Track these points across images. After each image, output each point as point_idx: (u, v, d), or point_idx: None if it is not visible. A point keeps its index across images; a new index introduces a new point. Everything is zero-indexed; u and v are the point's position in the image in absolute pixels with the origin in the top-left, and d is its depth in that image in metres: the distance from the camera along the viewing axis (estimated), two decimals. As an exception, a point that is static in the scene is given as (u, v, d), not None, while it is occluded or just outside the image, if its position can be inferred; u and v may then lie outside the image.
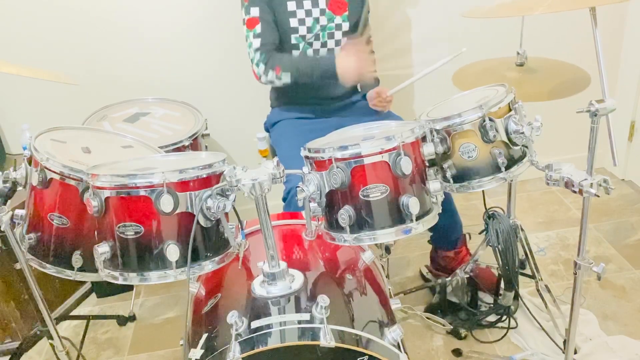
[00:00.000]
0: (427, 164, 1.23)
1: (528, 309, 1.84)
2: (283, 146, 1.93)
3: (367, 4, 1.95)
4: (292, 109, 2.01)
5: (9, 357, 1.78)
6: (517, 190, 1.77)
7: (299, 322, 1.11)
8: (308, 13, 1.85)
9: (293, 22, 1.86)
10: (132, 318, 2.12)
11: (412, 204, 1.14)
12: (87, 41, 2.20)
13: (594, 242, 2.24)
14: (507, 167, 1.25)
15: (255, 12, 1.81)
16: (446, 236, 1.99)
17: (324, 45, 1.91)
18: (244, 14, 1.83)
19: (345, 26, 1.90)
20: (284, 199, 1.71)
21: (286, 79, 1.79)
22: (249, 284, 1.24)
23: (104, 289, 2.25)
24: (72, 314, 2.17)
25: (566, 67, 1.67)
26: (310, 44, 1.90)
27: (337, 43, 1.92)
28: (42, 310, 1.50)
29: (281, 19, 1.84)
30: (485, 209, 1.71)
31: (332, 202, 1.18)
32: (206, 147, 1.97)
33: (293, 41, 1.88)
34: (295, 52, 1.89)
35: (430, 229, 1.23)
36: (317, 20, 1.87)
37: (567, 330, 1.41)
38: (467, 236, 2.03)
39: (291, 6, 1.84)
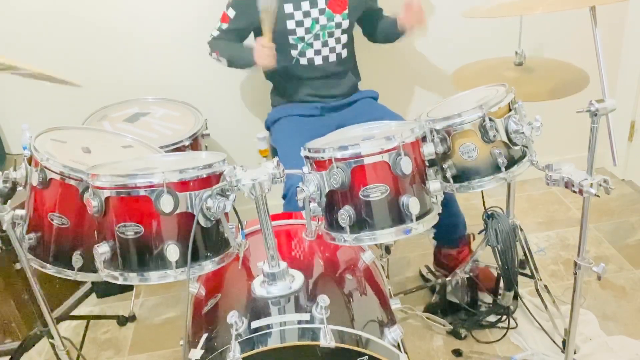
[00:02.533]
0: (427, 164, 1.23)
1: (528, 309, 1.84)
2: (284, 143, 1.92)
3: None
4: (293, 107, 2.01)
5: (9, 357, 1.78)
6: (517, 190, 1.77)
7: (299, 322, 1.11)
8: (306, 14, 1.85)
9: (290, 24, 1.86)
10: (132, 318, 2.12)
11: (412, 204, 1.14)
12: (87, 41, 2.19)
13: (594, 242, 2.24)
14: (507, 167, 1.25)
15: (231, 13, 1.91)
16: (449, 235, 1.99)
17: (324, 44, 1.91)
18: (225, 7, 1.92)
19: (345, 24, 1.90)
20: (284, 196, 1.70)
21: (224, 62, 1.94)
22: (249, 284, 1.24)
23: (104, 289, 2.25)
24: (72, 314, 2.17)
25: (564, 67, 1.68)
26: (311, 45, 1.89)
27: (338, 41, 1.92)
28: (43, 309, 1.50)
29: (277, 21, 1.83)
30: (485, 208, 1.72)
31: (332, 202, 1.18)
32: (206, 147, 1.97)
33: (291, 42, 1.88)
34: (294, 53, 1.90)
35: (434, 226, 1.23)
36: (316, 20, 1.86)
37: (567, 330, 1.41)
38: (472, 236, 2.03)
39: (288, 8, 1.84)
